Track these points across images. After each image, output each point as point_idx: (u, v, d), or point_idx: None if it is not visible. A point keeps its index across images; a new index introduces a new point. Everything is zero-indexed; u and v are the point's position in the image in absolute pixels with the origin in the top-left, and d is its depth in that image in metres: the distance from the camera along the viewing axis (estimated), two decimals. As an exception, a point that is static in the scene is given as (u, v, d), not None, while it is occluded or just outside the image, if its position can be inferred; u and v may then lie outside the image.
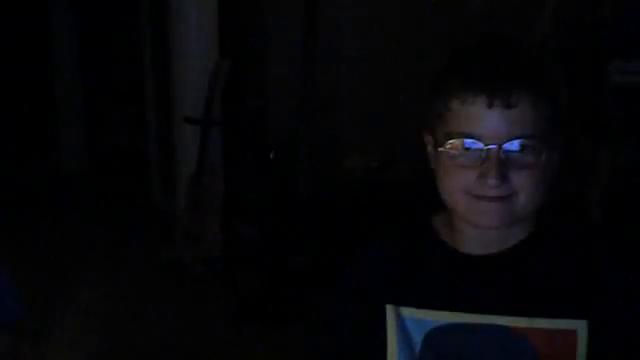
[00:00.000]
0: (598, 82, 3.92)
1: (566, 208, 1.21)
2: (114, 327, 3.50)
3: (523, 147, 1.08)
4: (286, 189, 3.92)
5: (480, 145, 1.08)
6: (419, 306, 1.17)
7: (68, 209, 5.15)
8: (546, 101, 1.08)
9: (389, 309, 1.18)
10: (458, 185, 1.11)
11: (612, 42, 3.90)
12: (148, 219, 4.98)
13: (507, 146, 1.07)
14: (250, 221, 4.27)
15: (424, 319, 1.16)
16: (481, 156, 1.08)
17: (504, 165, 1.07)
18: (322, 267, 3.80)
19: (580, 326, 1.11)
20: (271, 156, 3.83)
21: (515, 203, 1.10)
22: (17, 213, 4.95)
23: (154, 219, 4.96)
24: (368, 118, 4.25)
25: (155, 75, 5.20)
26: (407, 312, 1.17)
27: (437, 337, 1.15)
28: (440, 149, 1.12)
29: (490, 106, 1.06)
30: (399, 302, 1.18)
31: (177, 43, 4.39)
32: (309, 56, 3.86)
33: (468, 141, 1.09)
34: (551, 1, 3.97)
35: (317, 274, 3.79)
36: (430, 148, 1.17)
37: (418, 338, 1.16)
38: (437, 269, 1.19)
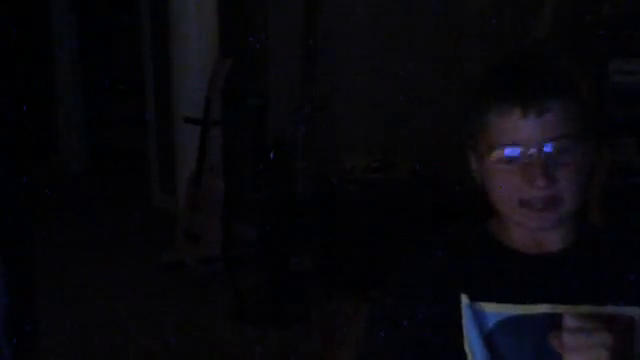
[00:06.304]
0: (598, 82, 3.92)
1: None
2: (114, 327, 3.50)
3: (560, 148, 1.18)
4: (286, 189, 3.92)
5: (521, 151, 1.18)
6: (485, 301, 1.24)
7: (68, 209, 5.15)
8: (575, 104, 1.19)
9: (463, 297, 1.24)
10: (509, 194, 1.22)
11: (612, 42, 3.90)
12: (148, 219, 4.98)
13: (545, 148, 1.17)
14: (250, 221, 4.27)
15: (492, 312, 1.23)
16: (524, 162, 1.18)
17: (548, 167, 1.18)
18: (322, 267, 3.80)
19: (637, 313, 1.21)
20: (271, 156, 3.83)
21: (561, 206, 1.20)
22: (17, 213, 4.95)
23: (154, 219, 4.96)
24: (368, 118, 4.25)
25: (155, 75, 5.20)
26: (479, 306, 1.24)
27: (504, 329, 1.23)
28: (485, 161, 1.22)
29: (525, 115, 1.17)
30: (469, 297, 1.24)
31: (177, 43, 4.40)
32: (309, 56, 3.86)
33: (509, 150, 1.19)
34: (551, 1, 3.97)
35: (317, 274, 3.79)
36: (474, 163, 1.27)
37: (490, 324, 1.23)
38: (497, 268, 1.27)
